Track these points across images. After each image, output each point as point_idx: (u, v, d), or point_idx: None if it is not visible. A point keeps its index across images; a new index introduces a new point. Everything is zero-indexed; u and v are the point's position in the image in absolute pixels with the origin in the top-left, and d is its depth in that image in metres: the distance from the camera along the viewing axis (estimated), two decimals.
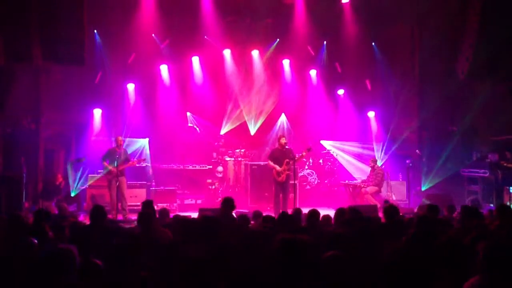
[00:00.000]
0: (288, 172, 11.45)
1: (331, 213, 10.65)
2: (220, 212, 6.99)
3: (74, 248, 3.67)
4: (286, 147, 11.70)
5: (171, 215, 8.15)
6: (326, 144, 15.35)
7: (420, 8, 14.43)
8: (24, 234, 5.23)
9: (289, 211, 8.58)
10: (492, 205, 11.49)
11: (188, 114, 15.07)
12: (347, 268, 3.62)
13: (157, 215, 8.01)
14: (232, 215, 7.28)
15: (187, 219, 6.18)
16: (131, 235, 4.80)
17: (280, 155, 11.54)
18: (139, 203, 11.73)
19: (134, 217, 10.32)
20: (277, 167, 11.44)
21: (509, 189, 11.60)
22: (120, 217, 11.11)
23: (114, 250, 3.95)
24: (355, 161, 15.04)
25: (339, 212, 6.51)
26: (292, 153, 11.66)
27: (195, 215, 8.99)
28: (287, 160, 11.41)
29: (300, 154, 11.89)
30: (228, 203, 7.12)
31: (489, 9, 11.67)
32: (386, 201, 11.25)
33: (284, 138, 11.74)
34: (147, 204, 7.20)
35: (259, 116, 15.57)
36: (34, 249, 4.50)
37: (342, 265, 3.64)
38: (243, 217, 6.70)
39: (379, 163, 13.56)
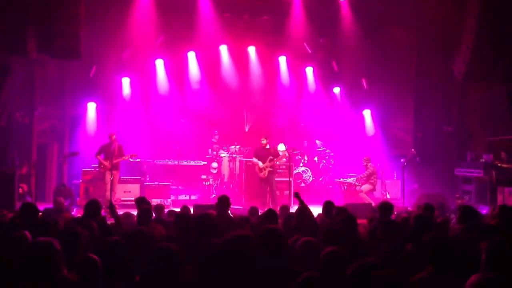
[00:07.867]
0: (270, 169, 11.94)
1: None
2: (217, 212, 6.72)
3: (55, 241, 3.57)
4: (267, 147, 12.15)
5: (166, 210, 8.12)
6: (320, 143, 15.31)
7: (417, 9, 14.42)
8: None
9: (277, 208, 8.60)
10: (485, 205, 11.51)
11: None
12: (346, 263, 3.61)
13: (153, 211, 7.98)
14: (229, 214, 7.13)
15: (184, 215, 6.04)
16: (132, 232, 4.72)
17: (263, 153, 12.10)
18: (132, 198, 11.68)
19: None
20: (260, 163, 11.92)
21: (503, 189, 11.63)
22: None
23: (113, 246, 3.90)
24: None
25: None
26: (275, 151, 12.28)
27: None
28: (271, 157, 11.93)
29: (282, 153, 12.36)
30: (224, 202, 6.90)
31: (486, 11, 11.67)
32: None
33: (264, 139, 12.19)
34: (143, 200, 7.06)
35: (253, 113, 15.56)
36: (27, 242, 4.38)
37: (341, 260, 3.63)
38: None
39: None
